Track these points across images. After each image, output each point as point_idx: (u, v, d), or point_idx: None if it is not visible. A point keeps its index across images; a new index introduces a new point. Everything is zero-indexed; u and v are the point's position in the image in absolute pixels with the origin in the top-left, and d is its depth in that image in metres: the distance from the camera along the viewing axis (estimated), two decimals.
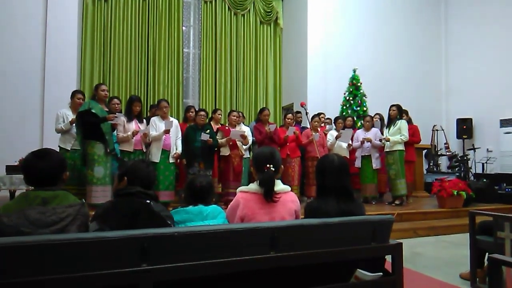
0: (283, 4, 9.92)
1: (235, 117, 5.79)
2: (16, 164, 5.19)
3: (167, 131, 5.02)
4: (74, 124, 4.79)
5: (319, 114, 6.45)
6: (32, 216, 1.51)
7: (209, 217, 1.96)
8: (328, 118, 7.16)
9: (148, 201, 1.73)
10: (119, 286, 1.26)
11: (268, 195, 1.92)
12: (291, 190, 2.11)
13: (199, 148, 5.25)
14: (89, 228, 1.64)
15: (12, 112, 6.63)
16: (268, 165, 1.95)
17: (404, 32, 9.70)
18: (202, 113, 5.49)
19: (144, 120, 5.21)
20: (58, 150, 4.54)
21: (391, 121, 5.96)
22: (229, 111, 6.31)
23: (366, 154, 6.18)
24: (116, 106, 4.94)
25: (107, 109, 4.80)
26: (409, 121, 6.42)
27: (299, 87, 8.99)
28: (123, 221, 1.63)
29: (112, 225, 1.60)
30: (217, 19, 9.21)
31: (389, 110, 5.99)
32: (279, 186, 2.01)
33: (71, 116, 4.87)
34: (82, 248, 1.23)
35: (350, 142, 6.18)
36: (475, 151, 8.55)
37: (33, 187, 1.67)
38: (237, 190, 2.08)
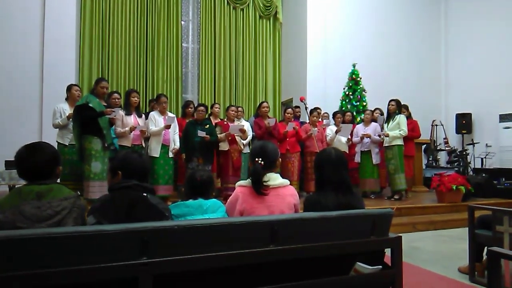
0: None
1: (233, 112, 5.76)
2: None
3: (167, 126, 5.02)
4: (71, 119, 4.68)
5: (315, 109, 6.43)
6: (28, 211, 1.49)
7: (209, 211, 1.96)
8: (325, 113, 7.15)
9: (144, 194, 1.71)
10: (119, 279, 1.26)
11: (256, 188, 1.94)
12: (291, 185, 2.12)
13: (198, 143, 5.25)
14: (86, 222, 1.63)
15: (11, 107, 6.61)
16: (257, 159, 1.98)
17: (403, 27, 9.67)
18: (202, 108, 5.48)
19: (143, 115, 5.19)
20: (56, 146, 4.57)
21: (390, 116, 5.97)
22: (227, 106, 6.29)
23: (366, 149, 6.19)
24: (117, 101, 4.91)
25: (105, 104, 4.75)
26: (409, 116, 6.43)
27: (298, 82, 8.97)
28: (120, 214, 1.61)
29: (109, 219, 1.59)
30: (216, 13, 9.17)
31: (388, 105, 6.00)
32: (277, 180, 2.02)
33: (68, 110, 4.82)
34: (82, 241, 1.23)
35: (350, 137, 6.19)
36: (474, 146, 8.56)
37: (26, 182, 1.64)
38: (236, 184, 2.09)
